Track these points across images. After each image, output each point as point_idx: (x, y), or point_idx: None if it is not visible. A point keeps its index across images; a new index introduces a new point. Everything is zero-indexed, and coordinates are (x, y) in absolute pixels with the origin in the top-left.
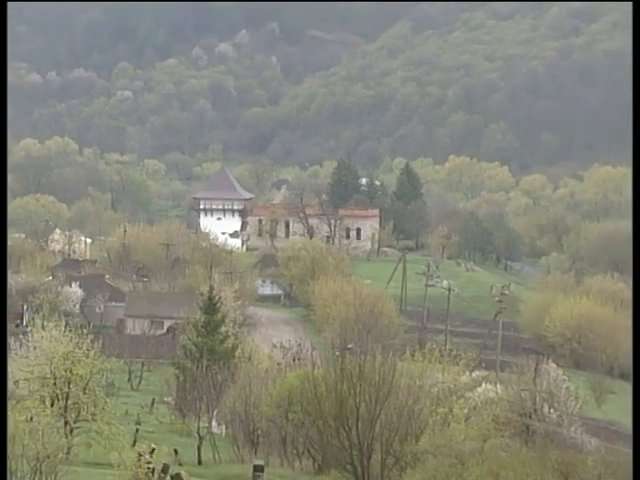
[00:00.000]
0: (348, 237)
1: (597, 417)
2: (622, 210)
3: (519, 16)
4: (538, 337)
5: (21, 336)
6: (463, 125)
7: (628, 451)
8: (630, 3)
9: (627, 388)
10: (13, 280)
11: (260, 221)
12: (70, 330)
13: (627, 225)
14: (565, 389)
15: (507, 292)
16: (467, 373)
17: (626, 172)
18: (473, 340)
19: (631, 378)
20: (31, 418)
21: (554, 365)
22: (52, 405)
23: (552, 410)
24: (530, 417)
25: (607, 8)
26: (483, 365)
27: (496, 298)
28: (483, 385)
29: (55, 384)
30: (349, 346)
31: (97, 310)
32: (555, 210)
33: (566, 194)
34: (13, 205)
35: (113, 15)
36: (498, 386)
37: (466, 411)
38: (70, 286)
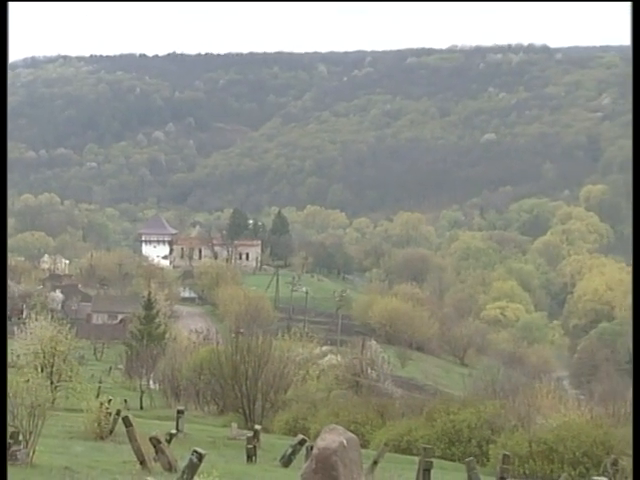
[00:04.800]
0: (240, 259)
1: (402, 375)
2: (417, 241)
3: (352, 115)
4: (365, 324)
5: (21, 325)
6: (315, 185)
7: (421, 397)
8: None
9: (421, 357)
10: (16, 288)
11: (182, 248)
12: (54, 321)
13: (421, 251)
14: (381, 357)
15: (344, 294)
16: (318, 348)
17: (420, 217)
18: (322, 326)
19: (424, 350)
20: (27, 380)
21: (374, 342)
22: (42, 371)
23: (373, 371)
24: (359, 376)
25: (407, 111)
26: (329, 342)
27: (337, 298)
28: (329, 355)
29: (44, 357)
30: (241, 330)
31: (73, 308)
32: (375, 241)
33: (382, 230)
34: (16, 239)
35: (84, 112)
36: (338, 356)
37: (317, 372)
38: (55, 292)
